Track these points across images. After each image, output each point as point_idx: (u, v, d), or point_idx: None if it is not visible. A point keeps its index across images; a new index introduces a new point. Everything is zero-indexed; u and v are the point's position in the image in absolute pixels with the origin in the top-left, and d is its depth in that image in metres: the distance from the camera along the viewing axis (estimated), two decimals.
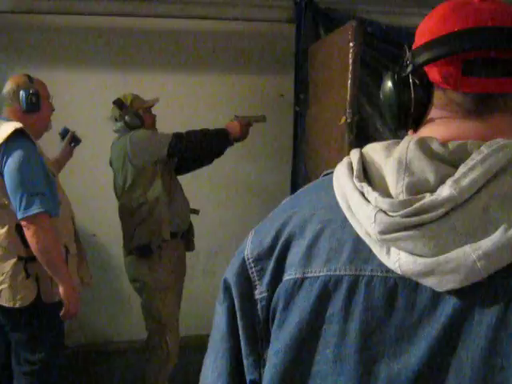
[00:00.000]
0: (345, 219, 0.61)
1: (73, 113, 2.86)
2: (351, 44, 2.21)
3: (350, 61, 2.21)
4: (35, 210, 1.86)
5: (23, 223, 1.89)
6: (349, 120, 2.24)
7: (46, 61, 3.03)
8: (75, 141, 2.54)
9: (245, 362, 0.67)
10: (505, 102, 0.60)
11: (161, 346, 2.54)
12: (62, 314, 1.98)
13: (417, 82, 0.63)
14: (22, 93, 2.01)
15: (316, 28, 2.87)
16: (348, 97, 2.24)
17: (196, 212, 2.75)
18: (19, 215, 1.88)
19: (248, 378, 0.67)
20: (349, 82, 2.22)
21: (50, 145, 2.37)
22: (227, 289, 0.68)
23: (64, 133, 2.54)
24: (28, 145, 1.94)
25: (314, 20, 2.87)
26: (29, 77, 2.08)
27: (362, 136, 2.38)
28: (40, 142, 2.09)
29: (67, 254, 2.05)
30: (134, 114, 2.52)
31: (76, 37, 3.06)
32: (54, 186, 2.01)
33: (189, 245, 2.71)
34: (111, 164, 2.65)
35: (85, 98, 3.06)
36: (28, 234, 1.89)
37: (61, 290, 1.95)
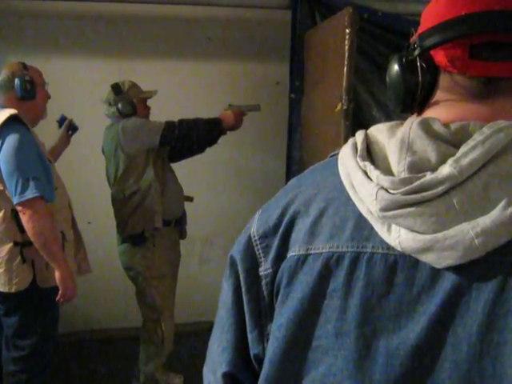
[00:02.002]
0: (348, 198, 0.62)
1: (68, 100, 2.85)
2: (347, 30, 2.20)
3: (346, 47, 2.21)
4: (30, 194, 1.87)
5: (19, 208, 1.89)
6: (345, 107, 2.24)
7: (41, 48, 3.00)
8: (73, 128, 2.54)
9: (249, 336, 0.69)
10: (509, 85, 0.61)
11: (156, 333, 2.55)
12: (57, 298, 1.99)
13: (423, 65, 0.63)
14: (16, 80, 2.01)
15: (312, 14, 2.86)
16: (344, 83, 2.24)
17: (190, 199, 2.74)
18: (14, 200, 1.88)
19: (252, 352, 0.69)
20: (345, 68, 2.22)
21: (47, 133, 2.36)
22: (233, 265, 0.70)
23: (62, 120, 2.54)
24: (23, 131, 1.94)
25: (310, 6, 2.85)
26: (24, 64, 2.07)
27: (357, 123, 2.38)
28: (37, 130, 2.09)
29: (64, 241, 2.06)
30: (127, 102, 2.50)
31: (71, 24, 3.03)
32: (50, 171, 2.01)
33: (181, 233, 2.71)
34: (103, 151, 2.64)
35: (80, 86, 3.04)
36: (23, 218, 1.90)
37: (57, 274, 1.96)
